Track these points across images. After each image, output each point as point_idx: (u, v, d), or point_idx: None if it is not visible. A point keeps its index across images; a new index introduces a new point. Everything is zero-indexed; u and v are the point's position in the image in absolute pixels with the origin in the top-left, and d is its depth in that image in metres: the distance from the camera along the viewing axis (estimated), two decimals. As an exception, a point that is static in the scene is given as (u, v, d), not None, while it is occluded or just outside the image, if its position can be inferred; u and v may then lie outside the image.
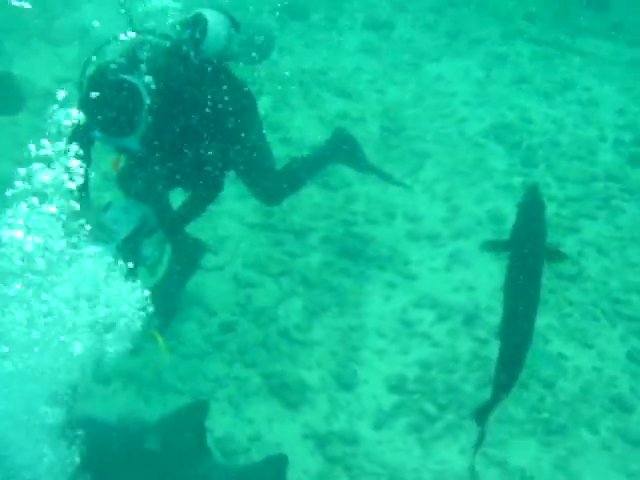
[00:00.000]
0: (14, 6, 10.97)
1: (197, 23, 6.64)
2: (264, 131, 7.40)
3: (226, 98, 6.73)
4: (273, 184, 7.53)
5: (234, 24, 6.84)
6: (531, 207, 6.73)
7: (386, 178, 8.94)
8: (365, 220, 9.16)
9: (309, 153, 8.33)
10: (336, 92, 11.02)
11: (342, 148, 8.27)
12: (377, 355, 7.91)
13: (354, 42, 12.18)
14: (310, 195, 9.23)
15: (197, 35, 6.61)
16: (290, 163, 7.89)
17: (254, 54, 7.18)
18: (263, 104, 7.75)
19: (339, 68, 11.53)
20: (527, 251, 6.51)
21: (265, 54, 7.36)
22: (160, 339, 6.40)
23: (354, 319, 8.18)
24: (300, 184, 7.98)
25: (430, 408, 7.53)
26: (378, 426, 7.42)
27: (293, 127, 10.22)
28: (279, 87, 10.46)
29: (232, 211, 9.01)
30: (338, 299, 8.32)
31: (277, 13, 11.09)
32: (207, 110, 6.58)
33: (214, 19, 6.70)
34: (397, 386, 7.68)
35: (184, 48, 6.57)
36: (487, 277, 8.59)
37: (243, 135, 6.96)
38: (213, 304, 8.08)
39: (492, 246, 6.89)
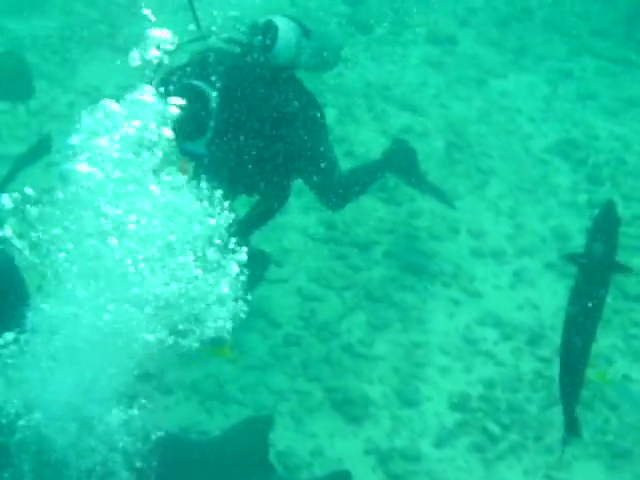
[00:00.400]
0: (80, 14, 11.08)
1: (268, 29, 6.64)
2: (330, 139, 7.36)
3: (294, 105, 6.73)
4: (337, 189, 7.46)
5: (305, 32, 6.82)
6: (606, 222, 6.61)
7: (436, 195, 8.80)
8: (429, 235, 9.05)
9: (370, 161, 8.31)
10: (401, 106, 10.92)
11: (400, 159, 8.18)
12: (440, 372, 7.81)
13: (418, 56, 12.06)
14: (374, 209, 9.18)
15: (267, 42, 6.61)
16: (352, 169, 7.81)
17: (322, 63, 7.16)
18: (328, 116, 7.71)
19: (404, 82, 11.43)
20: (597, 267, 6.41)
21: (333, 64, 7.34)
22: (227, 348, 6.39)
23: (418, 335, 8.08)
24: (362, 190, 7.86)
25: (493, 428, 7.43)
26: (440, 444, 7.31)
27: (357, 141, 10.15)
28: (344, 99, 10.46)
29: (297, 224, 8.95)
30: (401, 314, 8.22)
31: (343, 25, 11.13)
32: (274, 117, 6.58)
33: (285, 26, 6.69)
34: (460, 404, 7.58)
35: (254, 54, 6.58)
36: (551, 295, 8.51)
37: (310, 143, 6.94)
38: (277, 316, 8.01)
39: (566, 259, 6.81)
